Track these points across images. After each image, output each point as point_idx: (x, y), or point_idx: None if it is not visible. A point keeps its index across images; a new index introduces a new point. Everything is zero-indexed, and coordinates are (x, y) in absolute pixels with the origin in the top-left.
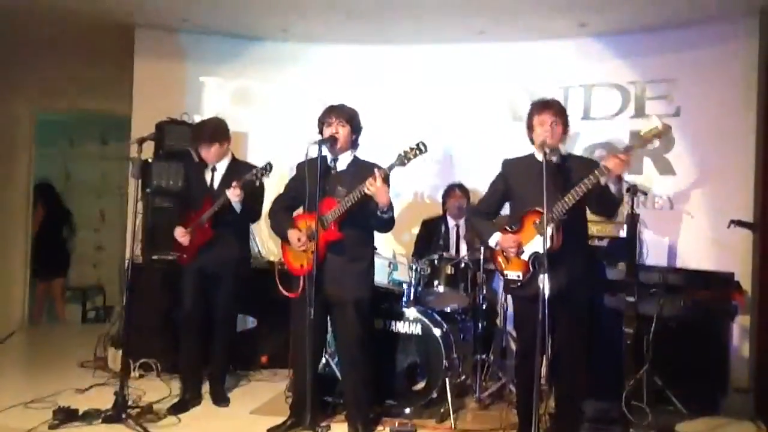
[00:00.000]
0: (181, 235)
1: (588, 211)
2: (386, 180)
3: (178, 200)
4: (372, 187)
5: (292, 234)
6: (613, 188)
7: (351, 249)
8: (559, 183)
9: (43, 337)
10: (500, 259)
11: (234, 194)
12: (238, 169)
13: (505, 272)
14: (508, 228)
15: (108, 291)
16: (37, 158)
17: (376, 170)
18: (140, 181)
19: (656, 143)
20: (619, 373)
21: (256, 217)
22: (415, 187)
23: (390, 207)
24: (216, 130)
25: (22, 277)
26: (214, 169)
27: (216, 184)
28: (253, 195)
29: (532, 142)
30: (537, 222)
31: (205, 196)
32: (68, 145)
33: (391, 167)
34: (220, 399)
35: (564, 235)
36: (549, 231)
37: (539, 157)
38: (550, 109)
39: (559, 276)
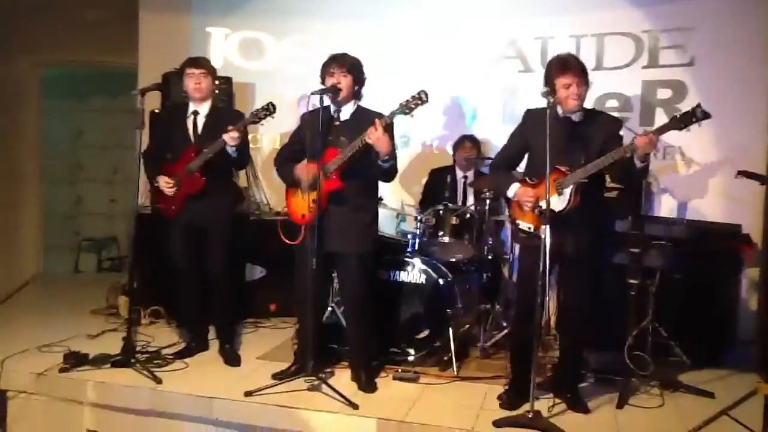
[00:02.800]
0: (166, 185)
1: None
2: (389, 129)
3: (155, 148)
4: (372, 136)
5: (301, 167)
6: (639, 165)
7: (354, 199)
8: (579, 142)
9: (59, 286)
10: (516, 209)
11: (232, 138)
12: (222, 113)
13: (518, 221)
14: (528, 180)
15: (122, 242)
16: (45, 114)
17: (377, 120)
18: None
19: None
20: (623, 325)
21: (246, 162)
22: (424, 137)
23: (392, 156)
24: (209, 63)
25: (36, 226)
26: (195, 113)
27: (200, 130)
28: (243, 139)
29: (550, 102)
30: (558, 180)
31: (186, 144)
32: (77, 100)
33: (392, 116)
34: (230, 359)
35: (583, 194)
36: (567, 191)
37: (561, 111)
38: (572, 69)
39: (571, 233)
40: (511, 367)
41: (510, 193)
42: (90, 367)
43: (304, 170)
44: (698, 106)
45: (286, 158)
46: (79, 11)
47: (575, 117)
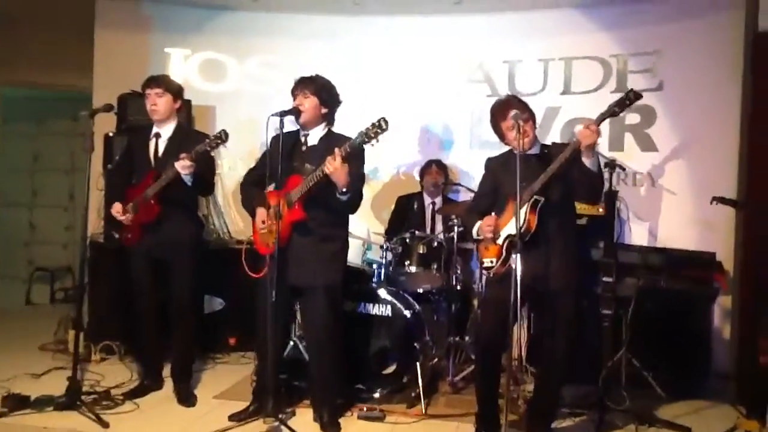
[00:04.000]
0: (118, 212)
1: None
2: (354, 157)
3: (115, 172)
4: (330, 166)
5: (258, 214)
6: (587, 162)
7: (319, 229)
8: (539, 172)
9: (7, 319)
10: (482, 249)
11: (183, 166)
12: (185, 136)
13: (483, 260)
14: (491, 216)
15: (77, 272)
16: (2, 136)
17: (336, 149)
18: (102, 157)
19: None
20: (596, 357)
21: (209, 189)
22: (391, 163)
23: (350, 188)
24: (171, 81)
25: None
26: (158, 136)
27: (160, 153)
28: (206, 164)
29: (504, 142)
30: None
31: (147, 168)
32: (35, 123)
33: (352, 145)
34: (184, 399)
35: (547, 219)
36: (522, 211)
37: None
38: (512, 109)
39: (540, 260)
40: (478, 404)
41: (474, 230)
42: (31, 411)
43: (259, 217)
44: (630, 90)
45: (252, 182)
46: (36, 32)
47: (533, 151)
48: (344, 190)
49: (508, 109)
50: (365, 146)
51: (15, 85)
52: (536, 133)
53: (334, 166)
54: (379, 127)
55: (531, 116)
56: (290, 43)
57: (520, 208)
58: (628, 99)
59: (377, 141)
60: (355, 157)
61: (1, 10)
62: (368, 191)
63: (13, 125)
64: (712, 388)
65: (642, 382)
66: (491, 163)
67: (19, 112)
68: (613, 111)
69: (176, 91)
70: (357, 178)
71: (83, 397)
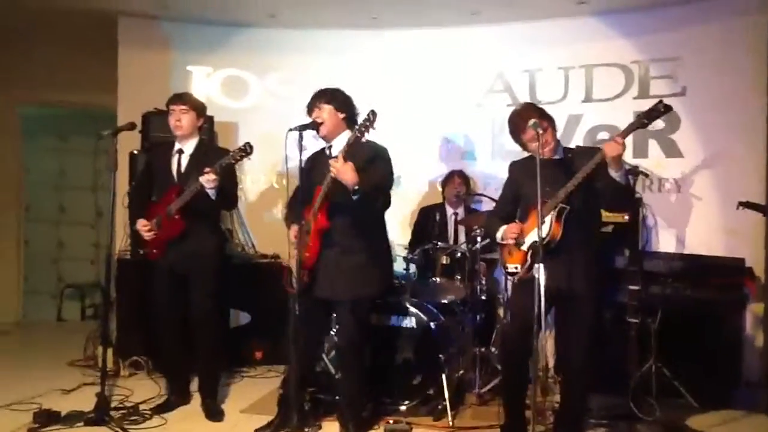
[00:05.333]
0: (144, 228)
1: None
2: (372, 159)
3: (137, 188)
4: (333, 168)
5: (291, 231)
6: (614, 174)
7: (342, 239)
8: (562, 177)
9: (39, 335)
10: (505, 253)
11: (208, 180)
12: (207, 151)
13: (507, 265)
14: (517, 221)
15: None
16: (28, 154)
17: (338, 152)
18: (128, 174)
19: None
20: (625, 366)
21: (233, 203)
22: (414, 175)
23: (362, 186)
24: (194, 99)
25: (15, 274)
26: (180, 152)
27: (183, 169)
28: (228, 178)
29: (526, 150)
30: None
31: (170, 184)
32: (61, 141)
33: (350, 143)
34: (212, 413)
35: (571, 227)
36: (547, 219)
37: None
38: (529, 119)
39: (564, 268)
40: (505, 415)
41: (498, 235)
42: (61, 426)
43: (291, 233)
44: (660, 101)
45: (297, 201)
46: (60, 51)
47: (556, 156)
48: (355, 188)
49: (526, 119)
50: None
51: (38, 104)
52: (558, 137)
53: (337, 168)
54: (367, 120)
55: (551, 123)
56: (309, 59)
57: (545, 216)
58: (657, 111)
59: (373, 129)
60: (379, 159)
61: (23, 29)
62: (392, 202)
63: (38, 142)
64: (745, 398)
65: (673, 391)
66: (514, 168)
67: (44, 128)
68: (642, 123)
69: (200, 109)
70: (380, 177)
71: (112, 413)
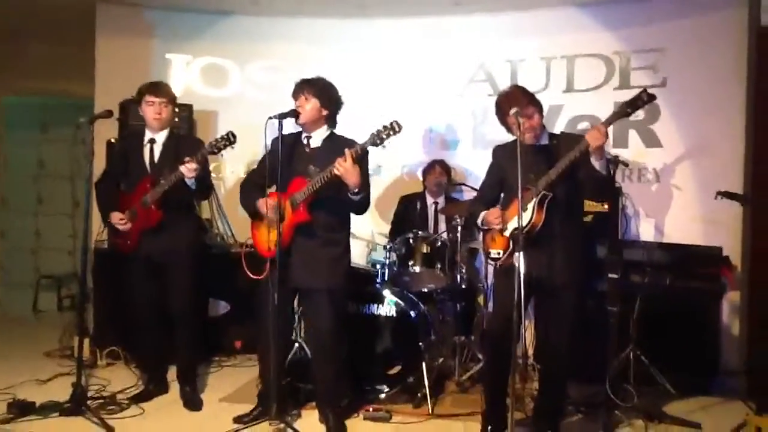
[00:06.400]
0: (119, 221)
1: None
2: (361, 159)
3: (108, 179)
4: (341, 167)
5: (262, 202)
6: (596, 163)
7: (323, 232)
8: (546, 163)
9: (14, 326)
10: (488, 239)
11: (189, 170)
12: (180, 141)
13: (490, 251)
14: (499, 208)
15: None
16: (7, 143)
17: (346, 150)
18: (105, 163)
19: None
20: (603, 354)
21: (209, 192)
22: (395, 164)
23: (362, 188)
24: (171, 90)
25: None
26: (152, 142)
27: (156, 159)
28: (204, 169)
29: (510, 132)
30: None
31: (143, 174)
32: (39, 131)
33: (363, 147)
34: (190, 402)
35: (553, 215)
36: (530, 206)
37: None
38: (518, 104)
39: (545, 256)
40: (485, 401)
41: (479, 220)
42: (36, 417)
43: (265, 205)
44: (644, 90)
45: (253, 184)
46: (37, 39)
47: (541, 142)
48: (356, 190)
49: (512, 103)
50: (375, 148)
51: (18, 94)
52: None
53: (345, 168)
54: (391, 129)
55: (537, 108)
56: (292, 47)
57: (527, 203)
58: (641, 100)
59: (389, 142)
60: (364, 160)
61: (2, 20)
62: (372, 192)
63: (16, 132)
64: (722, 384)
65: (651, 379)
66: (498, 152)
67: (22, 119)
68: (625, 112)
69: (175, 100)
70: (366, 180)
71: (89, 402)
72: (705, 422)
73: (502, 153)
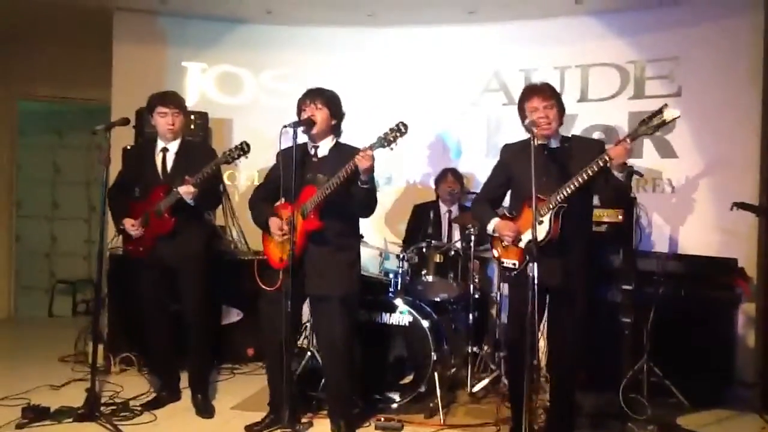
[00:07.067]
0: (131, 227)
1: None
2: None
3: (122, 186)
4: (365, 161)
5: (273, 222)
6: (618, 176)
7: (335, 239)
8: (557, 168)
9: (30, 330)
10: (498, 246)
11: (186, 192)
12: (193, 150)
13: (502, 260)
14: (507, 214)
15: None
16: (23, 149)
17: (363, 147)
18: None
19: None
20: (617, 365)
21: (215, 203)
22: (407, 173)
23: (370, 178)
24: (183, 100)
25: (7, 269)
26: (165, 150)
27: (169, 168)
28: (211, 180)
29: (526, 129)
30: (538, 208)
31: (156, 182)
32: (56, 136)
33: (372, 148)
34: (202, 410)
35: (566, 223)
36: (546, 219)
37: (536, 141)
38: (538, 93)
39: (559, 266)
40: (513, 416)
41: (490, 228)
42: (50, 422)
43: (275, 224)
44: (665, 105)
45: (262, 198)
46: (54, 45)
47: (552, 143)
48: (366, 178)
49: (534, 93)
50: (382, 150)
51: (34, 99)
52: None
53: (368, 155)
54: (398, 131)
55: (557, 104)
56: (305, 56)
57: (542, 214)
58: (664, 121)
59: (396, 145)
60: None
61: (20, 25)
62: (384, 200)
63: (32, 137)
64: (737, 397)
65: (664, 390)
66: (507, 152)
67: (38, 124)
68: (648, 129)
69: (186, 109)
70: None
71: (102, 409)
72: None
73: (511, 152)
